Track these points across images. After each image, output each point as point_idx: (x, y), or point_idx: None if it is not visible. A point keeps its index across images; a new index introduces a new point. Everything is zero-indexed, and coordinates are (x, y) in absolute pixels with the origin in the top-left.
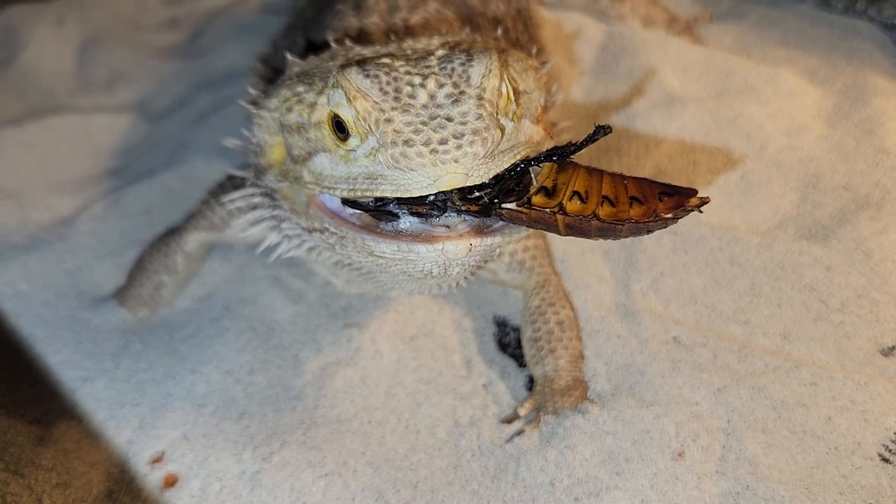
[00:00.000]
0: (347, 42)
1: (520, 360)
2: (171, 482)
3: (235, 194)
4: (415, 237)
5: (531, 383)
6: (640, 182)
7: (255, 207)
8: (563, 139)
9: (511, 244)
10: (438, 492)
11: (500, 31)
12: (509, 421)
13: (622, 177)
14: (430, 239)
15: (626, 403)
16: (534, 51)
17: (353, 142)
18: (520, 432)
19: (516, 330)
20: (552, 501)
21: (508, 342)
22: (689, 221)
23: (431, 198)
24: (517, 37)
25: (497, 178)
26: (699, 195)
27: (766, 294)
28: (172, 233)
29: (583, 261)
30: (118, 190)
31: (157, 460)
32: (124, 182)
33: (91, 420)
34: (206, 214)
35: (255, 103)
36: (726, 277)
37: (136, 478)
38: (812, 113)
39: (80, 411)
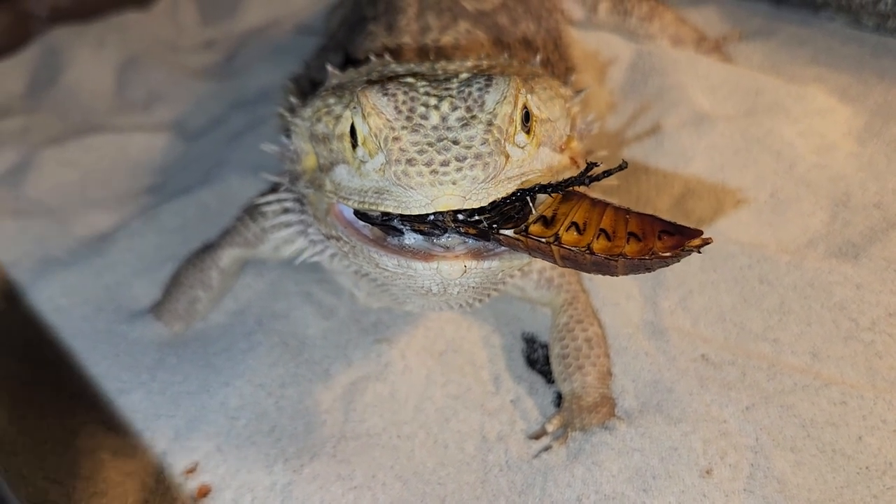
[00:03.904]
0: (386, 56)
1: (548, 376)
2: (203, 493)
3: (271, 196)
4: (415, 254)
5: (559, 400)
6: (643, 218)
7: (286, 211)
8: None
9: (514, 269)
10: None
11: (538, 58)
12: (537, 437)
13: (626, 211)
14: (427, 257)
15: (654, 420)
16: (571, 79)
17: (363, 154)
18: (547, 448)
19: (544, 347)
20: None
21: (537, 359)
22: (718, 239)
23: (432, 217)
24: (548, 56)
25: (496, 204)
26: (703, 236)
27: (796, 312)
28: (207, 249)
29: (611, 279)
30: (155, 207)
31: (191, 471)
32: (161, 199)
33: (127, 431)
34: (240, 231)
35: (293, 111)
36: (755, 295)
37: (171, 488)
38: (842, 131)
39: (116, 422)
